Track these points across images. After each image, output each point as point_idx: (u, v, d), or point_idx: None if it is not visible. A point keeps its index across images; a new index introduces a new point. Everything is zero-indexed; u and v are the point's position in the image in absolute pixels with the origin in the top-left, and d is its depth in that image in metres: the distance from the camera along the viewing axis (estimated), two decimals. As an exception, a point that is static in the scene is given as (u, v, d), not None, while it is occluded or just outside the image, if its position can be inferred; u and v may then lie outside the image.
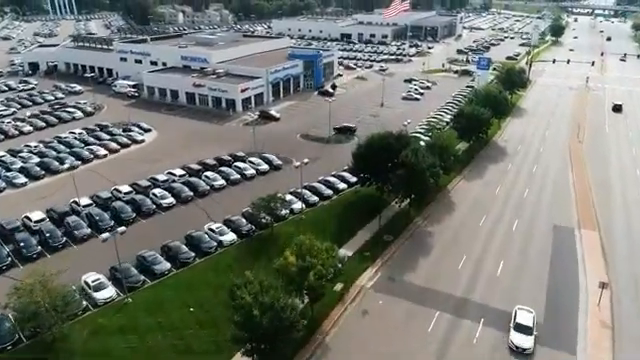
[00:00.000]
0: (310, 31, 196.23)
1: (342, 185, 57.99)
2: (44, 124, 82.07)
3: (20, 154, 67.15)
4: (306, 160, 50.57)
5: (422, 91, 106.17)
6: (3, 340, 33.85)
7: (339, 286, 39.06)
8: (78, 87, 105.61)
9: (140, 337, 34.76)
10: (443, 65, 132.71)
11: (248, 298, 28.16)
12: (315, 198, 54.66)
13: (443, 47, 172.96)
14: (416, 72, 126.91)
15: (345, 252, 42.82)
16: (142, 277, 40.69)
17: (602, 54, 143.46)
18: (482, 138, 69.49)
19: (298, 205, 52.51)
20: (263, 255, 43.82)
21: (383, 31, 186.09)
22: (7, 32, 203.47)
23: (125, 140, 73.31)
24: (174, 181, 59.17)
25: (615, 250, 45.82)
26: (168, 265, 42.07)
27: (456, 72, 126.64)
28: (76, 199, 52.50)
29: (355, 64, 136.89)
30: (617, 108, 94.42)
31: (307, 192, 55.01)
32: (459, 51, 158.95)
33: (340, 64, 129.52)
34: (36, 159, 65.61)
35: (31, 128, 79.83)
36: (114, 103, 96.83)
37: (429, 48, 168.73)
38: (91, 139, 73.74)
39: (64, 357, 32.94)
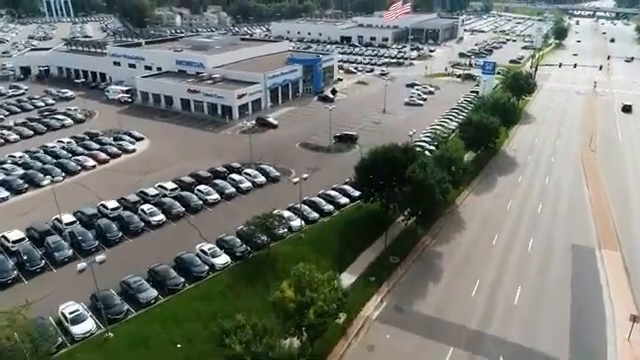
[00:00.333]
0: (309, 34, 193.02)
1: (344, 200, 54.46)
2: (31, 132, 78.48)
3: (3, 165, 63.53)
4: (305, 175, 47.12)
5: (425, 96, 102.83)
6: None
7: (342, 317, 35.49)
8: (69, 92, 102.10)
9: (121, 379, 31.26)
10: (446, 69, 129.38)
11: (238, 348, 24.63)
12: (315, 214, 51.11)
13: (445, 50, 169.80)
14: (418, 76, 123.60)
15: (349, 279, 39.34)
16: (126, 307, 37.06)
17: (609, 58, 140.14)
18: (491, 148, 65.97)
19: (297, 222, 48.98)
20: (259, 280, 40.30)
21: (383, 34, 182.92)
22: (2, 35, 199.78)
23: (115, 150, 69.73)
24: (165, 195, 55.62)
25: (640, 273, 42.45)
26: (155, 293, 38.45)
27: (459, 76, 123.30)
28: (58, 216, 48.94)
29: (355, 68, 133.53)
30: (627, 109, 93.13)
31: (306, 208, 51.47)
32: (461, 54, 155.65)
33: (340, 68, 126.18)
34: (20, 171, 62.01)
35: (17, 137, 76.26)
36: (106, 109, 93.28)
37: (430, 51, 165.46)
38: (79, 149, 70.18)
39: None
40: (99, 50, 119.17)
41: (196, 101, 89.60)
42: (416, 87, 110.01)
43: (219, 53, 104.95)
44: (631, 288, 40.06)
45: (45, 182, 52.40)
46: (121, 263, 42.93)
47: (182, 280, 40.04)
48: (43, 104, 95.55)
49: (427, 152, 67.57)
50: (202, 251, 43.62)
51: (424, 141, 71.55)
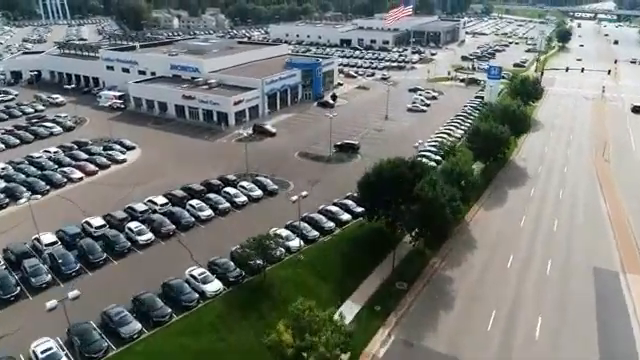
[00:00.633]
0: (308, 36, 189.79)
1: (345, 216, 50.87)
2: (18, 141, 74.84)
3: (-17, 178, 60.04)
4: (304, 193, 43.59)
5: (428, 102, 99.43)
6: None
7: (345, 357, 31.92)
8: (60, 98, 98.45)
9: None
10: (449, 73, 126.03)
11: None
12: (315, 233, 47.52)
13: (447, 53, 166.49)
14: (420, 80, 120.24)
15: (352, 309, 35.79)
16: (106, 343, 33.43)
17: (616, 62, 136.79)
18: (500, 158, 62.49)
19: (295, 242, 45.42)
20: (253, 311, 36.75)
21: (384, 37, 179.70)
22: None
23: (104, 160, 66.15)
24: (155, 211, 52.06)
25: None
26: (138, 326, 34.81)
27: (463, 80, 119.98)
28: (38, 235, 45.40)
29: (356, 72, 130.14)
30: (637, 109, 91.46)
31: (306, 226, 47.88)
32: (464, 58, 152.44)
33: (340, 72, 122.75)
34: (1, 184, 58.40)
35: (2, 146, 72.64)
36: (98, 116, 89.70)
37: (432, 54, 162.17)
38: (67, 159, 66.54)
39: None
40: (92, 54, 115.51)
41: (191, 107, 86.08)
42: (419, 92, 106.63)
43: (215, 57, 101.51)
44: (662, 319, 36.64)
45: (22, 200, 48.61)
46: (103, 290, 39.35)
47: (169, 311, 36.40)
48: (32, 110, 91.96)
49: (433, 162, 64.44)
50: (192, 276, 40.01)
51: (429, 151, 68.12)
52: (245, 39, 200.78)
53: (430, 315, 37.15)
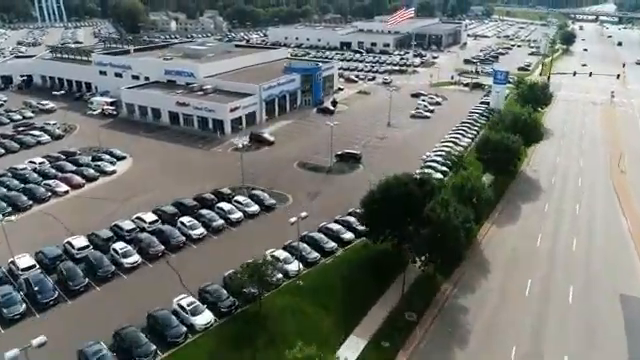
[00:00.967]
0: (308, 39, 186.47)
1: (348, 235, 47.25)
2: (2, 150, 71.23)
3: (-38, 193, 56.37)
4: (304, 214, 39.85)
5: (432, 108, 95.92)
6: None
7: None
8: (50, 104, 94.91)
9: None
10: (452, 77, 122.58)
11: None
12: (315, 254, 43.92)
13: (449, 56, 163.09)
14: (423, 85, 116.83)
15: (357, 345, 32.19)
16: (80, 389, 29.88)
17: (624, 65, 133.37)
18: (512, 170, 58.93)
19: (294, 266, 41.84)
20: (247, 347, 33.10)
21: (385, 39, 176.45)
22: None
23: (92, 172, 62.54)
24: (143, 229, 48.47)
25: None
26: (118, 368, 31.31)
27: (467, 85, 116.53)
28: (14, 258, 41.81)
29: (356, 76, 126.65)
30: None
31: (305, 247, 44.31)
32: (466, 61, 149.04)
33: (340, 76, 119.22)
34: (-19, 199, 54.85)
35: (-14, 156, 69.22)
36: (88, 123, 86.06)
37: (434, 58, 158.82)
38: (53, 171, 62.99)
39: None
40: (85, 58, 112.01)
41: (185, 114, 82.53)
42: (422, 97, 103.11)
43: (211, 62, 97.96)
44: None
45: (-1, 218, 45.17)
46: (82, 321, 35.83)
47: (153, 348, 32.75)
48: (21, 117, 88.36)
49: (439, 174, 60.95)
50: (180, 307, 36.36)
51: (435, 161, 64.68)
52: (243, 42, 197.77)
53: (443, 353, 33.50)
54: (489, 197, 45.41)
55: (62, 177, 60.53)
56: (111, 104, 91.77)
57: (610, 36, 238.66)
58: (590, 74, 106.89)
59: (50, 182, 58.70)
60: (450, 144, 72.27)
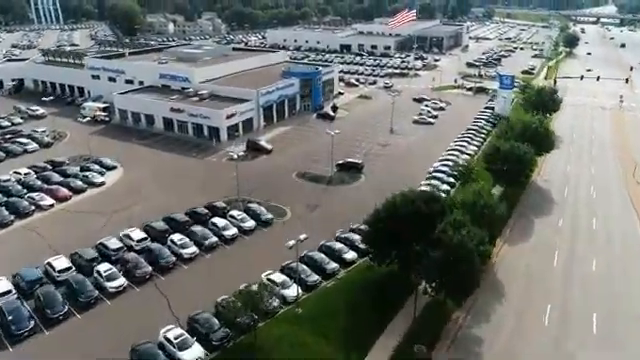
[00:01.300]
0: (307, 42, 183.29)
1: (351, 254, 44.01)
2: (-13, 160, 68.19)
3: (-61, 207, 53.01)
4: (303, 236, 36.56)
5: (435, 113, 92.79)
6: None
7: None
8: (41, 110, 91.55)
9: None
10: (455, 81, 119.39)
11: None
12: (315, 277, 40.68)
13: (450, 59, 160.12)
14: (425, 89, 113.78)
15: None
16: None
17: (631, 69, 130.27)
18: (524, 181, 55.71)
19: (292, 290, 38.56)
20: (240, 387, 29.91)
21: (385, 42, 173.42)
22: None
23: (80, 184, 59.29)
24: (131, 248, 45.25)
25: None
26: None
27: (470, 89, 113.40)
28: (-11, 283, 38.60)
29: (357, 80, 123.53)
30: None
31: (305, 268, 41.06)
32: (469, 64, 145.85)
33: (341, 80, 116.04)
34: (-41, 214, 51.56)
35: (-31, 166, 65.91)
36: (79, 130, 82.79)
37: (435, 61, 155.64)
38: (38, 182, 59.69)
39: None
40: (78, 62, 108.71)
41: (179, 121, 79.29)
42: (425, 102, 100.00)
43: (207, 66, 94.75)
44: None
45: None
46: (59, 356, 32.55)
47: (136, 389, 29.62)
48: (9, 124, 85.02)
49: (446, 185, 57.88)
50: (167, 340, 33.08)
51: (441, 171, 61.52)
52: (242, 44, 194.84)
53: (458, 392, 30.35)
54: (503, 214, 42.17)
55: (47, 189, 57.24)
56: (103, 110, 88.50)
57: (612, 38, 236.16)
58: (598, 78, 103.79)
59: (34, 195, 55.40)
60: (456, 152, 69.14)
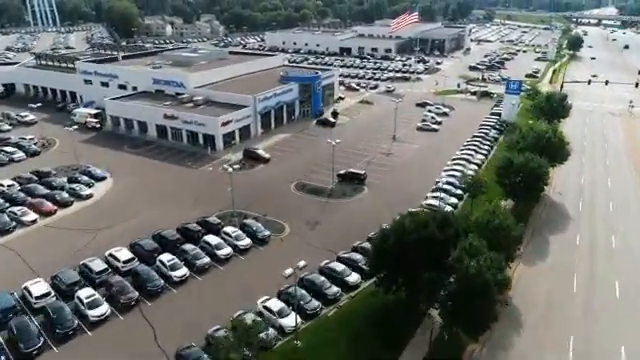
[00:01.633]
0: (306, 44, 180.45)
1: (354, 277, 40.67)
2: (-31, 171, 64.80)
3: None
4: (302, 263, 33.21)
5: (439, 119, 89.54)
6: None
7: None
8: (30, 116, 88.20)
9: None
10: (458, 85, 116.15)
11: None
12: (315, 303, 37.36)
13: (452, 62, 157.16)
14: (427, 93, 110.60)
15: None
16: None
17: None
18: (536, 195, 52.37)
19: (290, 319, 35.15)
20: None
21: (386, 45, 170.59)
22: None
23: (66, 196, 55.95)
24: (117, 269, 41.94)
25: None
26: None
27: (474, 93, 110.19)
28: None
29: (358, 84, 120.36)
30: None
31: (304, 294, 37.72)
32: (471, 67, 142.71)
33: (341, 84, 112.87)
34: None
35: (-50, 178, 62.46)
36: (69, 137, 78.59)
37: (437, 64, 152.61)
38: (22, 195, 56.35)
39: None
40: (71, 66, 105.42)
41: (173, 128, 76.02)
42: (428, 107, 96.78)
43: (203, 70, 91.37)
44: None
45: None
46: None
47: None
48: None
49: (454, 198, 54.64)
50: (151, 380, 29.85)
51: (449, 183, 58.28)
52: (240, 47, 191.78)
53: None
54: (520, 235, 38.83)
55: (30, 203, 53.90)
56: (95, 116, 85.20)
57: (615, 39, 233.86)
58: (606, 82, 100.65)
59: (16, 209, 52.02)
60: (463, 162, 65.93)
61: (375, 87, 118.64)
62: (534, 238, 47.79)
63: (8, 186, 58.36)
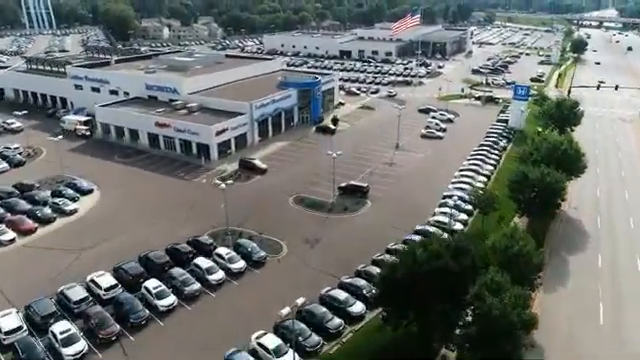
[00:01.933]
0: (305, 47, 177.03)
1: (358, 307, 36.97)
2: (-51, 183, 61.04)
3: None
4: (301, 300, 29.53)
5: (444, 125, 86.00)
6: None
7: None
8: (17, 124, 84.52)
9: None
10: (462, 90, 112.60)
11: None
12: (316, 339, 33.63)
13: (454, 66, 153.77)
14: (430, 98, 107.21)
15: None
16: None
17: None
18: (554, 212, 48.75)
19: (288, 358, 31.57)
20: None
21: (387, 47, 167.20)
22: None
23: (48, 212, 52.29)
24: (98, 297, 38.28)
25: None
26: None
27: (478, 99, 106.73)
28: None
29: (358, 88, 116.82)
30: None
31: (303, 328, 33.98)
32: (474, 71, 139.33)
33: (341, 88, 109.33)
34: None
35: None
36: (57, 146, 74.39)
37: (439, 67, 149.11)
38: (1, 211, 52.61)
39: None
40: (62, 70, 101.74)
41: (166, 137, 72.39)
42: (431, 113, 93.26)
43: (197, 75, 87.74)
44: None
45: None
46: None
47: None
48: (-20, 140, 78.16)
49: (463, 214, 51.09)
50: None
51: (457, 197, 54.60)
52: (238, 50, 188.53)
53: None
54: (542, 263, 35.13)
55: (9, 220, 50.25)
56: (85, 123, 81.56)
57: (618, 41, 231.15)
58: (616, 87, 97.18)
59: (-7, 227, 48.45)
60: (471, 173, 62.38)
61: (376, 92, 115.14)
62: (552, 259, 44.11)
63: (-13, 201, 54.74)
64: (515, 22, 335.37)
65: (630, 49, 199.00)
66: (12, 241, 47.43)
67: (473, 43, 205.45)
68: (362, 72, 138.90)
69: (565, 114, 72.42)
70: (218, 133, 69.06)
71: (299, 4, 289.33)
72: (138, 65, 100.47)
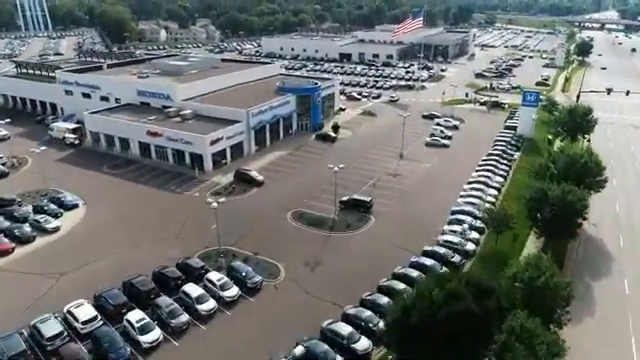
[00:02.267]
0: (304, 50, 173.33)
1: (363, 343, 33.14)
2: None
3: None
4: (299, 350, 25.70)
5: (449, 133, 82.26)
6: None
7: None
8: (3, 131, 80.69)
9: None
10: (467, 95, 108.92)
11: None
12: (317, 383, 30.03)
13: (457, 69, 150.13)
14: (434, 103, 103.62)
15: None
16: None
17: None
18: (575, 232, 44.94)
19: (286, 409, 27.89)
20: None
21: (388, 50, 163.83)
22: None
23: (27, 231, 48.49)
24: (75, 331, 34.49)
25: None
26: None
27: (484, 104, 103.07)
28: None
29: (359, 93, 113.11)
30: None
31: (303, 371, 30.30)
32: (478, 75, 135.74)
33: (341, 93, 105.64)
34: None
35: None
36: (43, 155, 70.67)
37: (442, 70, 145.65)
38: (-23, 229, 49.01)
39: None
40: (52, 74, 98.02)
41: (158, 146, 68.63)
42: (436, 120, 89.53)
43: (192, 81, 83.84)
44: None
45: None
46: None
47: None
48: (-37, 148, 74.31)
49: (475, 233, 47.41)
50: None
51: (467, 213, 51.00)
52: (236, 53, 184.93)
53: None
54: (569, 296, 31.36)
55: (-15, 240, 46.53)
56: (74, 131, 77.84)
57: (621, 43, 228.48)
58: (627, 93, 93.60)
59: (-34, 249, 44.69)
60: (480, 186, 58.67)
61: (378, 96, 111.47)
62: (576, 286, 39.99)
63: (-37, 218, 50.95)
64: (516, 24, 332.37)
65: (634, 50, 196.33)
66: (-14, 264, 43.75)
67: (475, 46, 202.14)
68: (363, 76, 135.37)
69: (578, 122, 68.75)
70: (213, 142, 65.28)
71: (298, 6, 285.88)
72: (131, 70, 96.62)
